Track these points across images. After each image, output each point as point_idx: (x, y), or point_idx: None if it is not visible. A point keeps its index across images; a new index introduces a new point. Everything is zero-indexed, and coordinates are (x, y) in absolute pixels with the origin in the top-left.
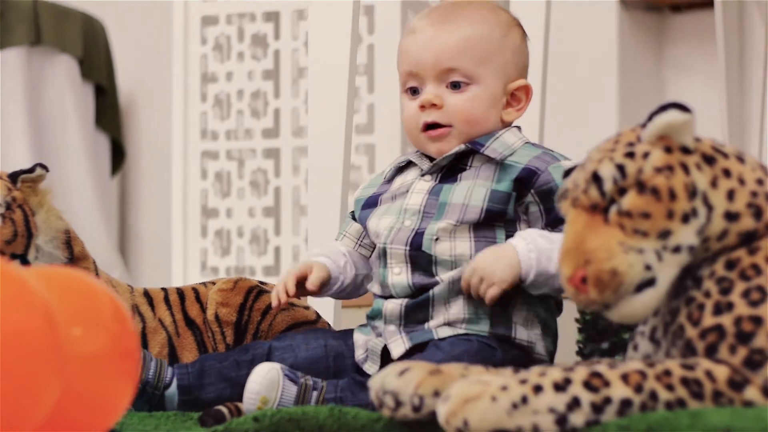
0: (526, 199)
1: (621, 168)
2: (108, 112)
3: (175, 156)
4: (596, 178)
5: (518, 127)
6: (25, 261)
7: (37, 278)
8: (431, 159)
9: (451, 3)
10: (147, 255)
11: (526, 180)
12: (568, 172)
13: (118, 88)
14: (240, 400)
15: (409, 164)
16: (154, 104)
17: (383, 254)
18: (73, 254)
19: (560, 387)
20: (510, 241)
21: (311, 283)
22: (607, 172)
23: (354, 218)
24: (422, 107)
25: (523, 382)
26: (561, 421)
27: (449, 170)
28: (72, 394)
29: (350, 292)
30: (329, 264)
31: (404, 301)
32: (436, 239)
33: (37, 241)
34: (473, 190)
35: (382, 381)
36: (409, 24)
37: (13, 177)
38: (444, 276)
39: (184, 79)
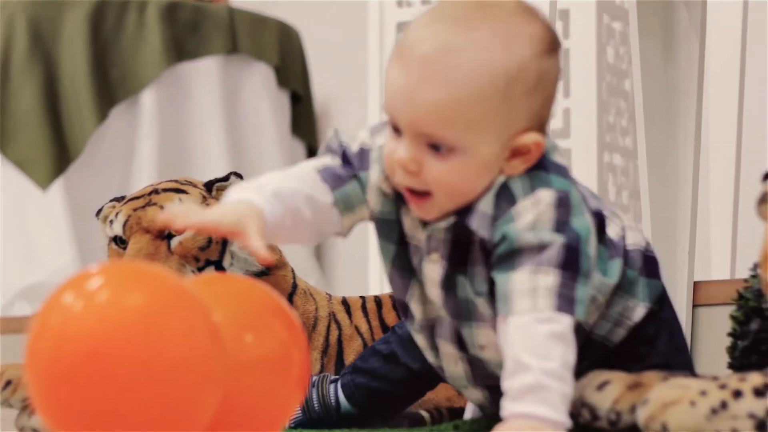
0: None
1: None
2: (304, 120)
3: None
4: None
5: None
6: (220, 267)
7: (202, 285)
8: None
9: (455, 17)
10: (343, 261)
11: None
12: (766, 176)
13: (314, 96)
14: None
15: None
16: (349, 111)
17: (431, 341)
18: None
19: (761, 392)
20: (537, 413)
21: (255, 249)
22: None
23: (349, 178)
24: (401, 169)
25: (723, 387)
26: (761, 426)
27: (453, 243)
28: (241, 398)
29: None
30: (268, 210)
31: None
32: (481, 347)
33: (232, 247)
34: (482, 284)
35: (581, 392)
36: (401, 36)
37: (209, 186)
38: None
39: (380, 86)
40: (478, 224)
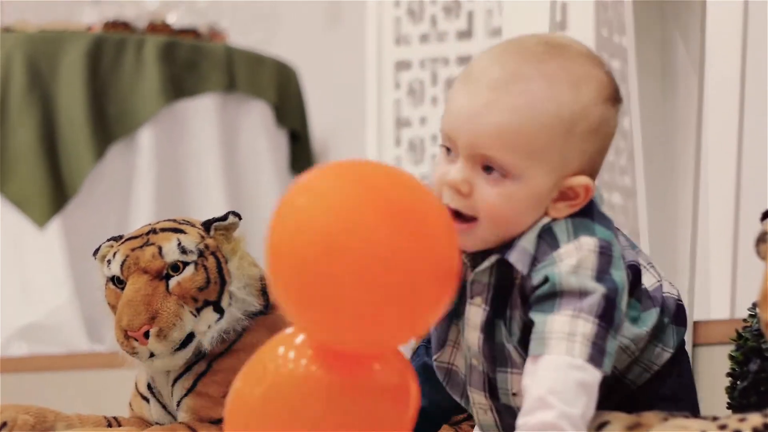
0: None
1: None
2: (302, 158)
3: None
4: None
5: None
6: (218, 308)
7: None
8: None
9: (526, 51)
10: None
11: (524, 294)
12: (766, 215)
13: (312, 134)
14: None
15: None
16: (347, 150)
17: (463, 390)
18: (269, 301)
19: None
20: None
21: None
22: None
23: None
24: (450, 188)
25: (723, 428)
26: None
27: (497, 288)
28: None
29: None
30: None
31: None
32: (514, 394)
33: (230, 287)
34: (517, 330)
35: None
36: (468, 65)
37: (207, 225)
38: None
39: (378, 124)
40: (516, 258)
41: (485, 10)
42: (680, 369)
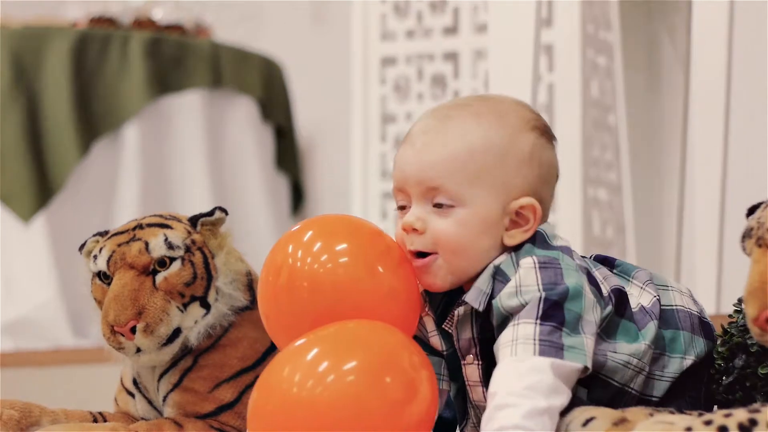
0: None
1: None
2: (288, 154)
3: (355, 197)
4: None
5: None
6: (205, 303)
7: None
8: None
9: (456, 103)
10: None
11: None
12: (752, 210)
13: (298, 130)
14: None
15: None
16: (333, 145)
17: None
18: (255, 297)
19: (745, 428)
20: None
21: None
22: None
23: None
24: (405, 230)
25: (708, 423)
26: None
27: (480, 340)
28: None
29: None
30: None
31: None
32: None
33: (217, 283)
34: None
35: (566, 428)
36: (410, 128)
37: (193, 220)
38: None
39: (364, 120)
40: (473, 298)
41: (471, 6)
42: (702, 375)
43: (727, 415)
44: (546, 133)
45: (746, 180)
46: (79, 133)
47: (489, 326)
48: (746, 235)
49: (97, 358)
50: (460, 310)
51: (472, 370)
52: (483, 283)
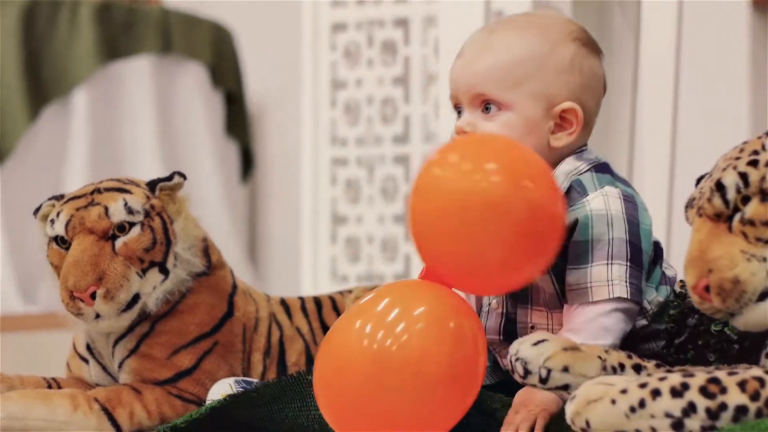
0: None
1: (744, 176)
2: (237, 120)
3: (305, 163)
4: (720, 187)
5: (582, 150)
6: (164, 269)
7: None
8: None
9: (503, 19)
10: (277, 262)
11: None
12: (698, 181)
13: (248, 96)
14: None
15: None
16: (283, 111)
17: None
18: (211, 262)
19: (677, 392)
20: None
21: None
22: (731, 180)
23: None
24: (457, 134)
25: (643, 386)
26: (677, 425)
27: None
28: None
29: None
30: None
31: None
32: (532, 327)
33: (175, 248)
34: (545, 277)
35: (517, 347)
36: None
37: (152, 185)
38: None
39: (314, 86)
40: None
41: None
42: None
43: (662, 379)
44: (588, 44)
45: (696, 148)
46: (29, 99)
47: None
48: (688, 204)
49: (47, 324)
50: None
51: None
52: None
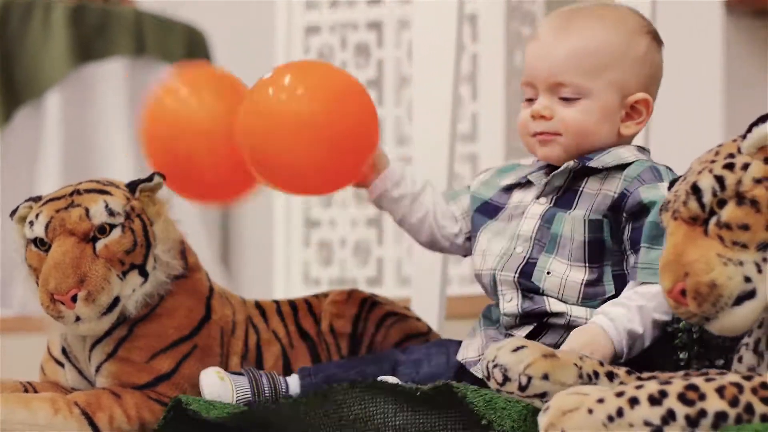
0: (622, 224)
1: (720, 179)
2: None
3: None
4: (695, 190)
5: (641, 148)
6: (143, 271)
7: None
8: (548, 172)
9: (577, 7)
10: (249, 266)
11: (617, 204)
12: (671, 184)
13: None
14: None
15: (530, 182)
16: None
17: (493, 282)
18: (188, 265)
19: (656, 400)
20: (594, 320)
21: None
22: (706, 183)
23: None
24: (533, 117)
25: (620, 394)
26: None
27: (565, 191)
28: None
29: (410, 221)
30: (399, 171)
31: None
32: (548, 273)
33: (155, 250)
34: (580, 221)
35: (495, 353)
36: (537, 27)
37: (132, 186)
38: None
39: None
40: (600, 163)
41: None
42: None
43: (639, 387)
44: (657, 39)
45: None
46: (1, 101)
47: (572, 195)
48: (663, 208)
49: (20, 327)
50: (570, 163)
51: (538, 208)
52: (627, 157)
